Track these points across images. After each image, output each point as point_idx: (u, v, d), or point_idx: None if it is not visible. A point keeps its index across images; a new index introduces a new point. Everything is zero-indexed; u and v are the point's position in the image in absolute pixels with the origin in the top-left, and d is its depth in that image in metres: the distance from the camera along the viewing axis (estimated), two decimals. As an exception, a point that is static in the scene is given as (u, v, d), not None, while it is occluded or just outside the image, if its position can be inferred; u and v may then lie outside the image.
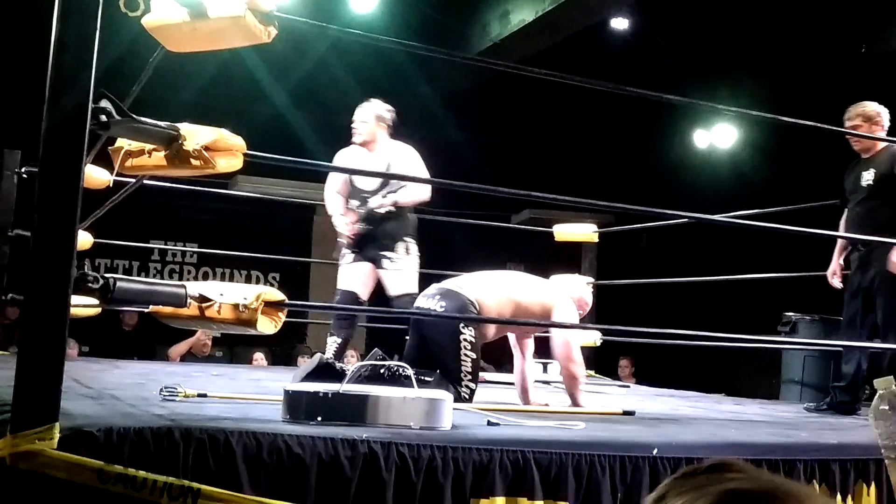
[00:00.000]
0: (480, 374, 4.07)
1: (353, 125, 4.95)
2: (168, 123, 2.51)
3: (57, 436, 2.05)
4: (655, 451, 2.66)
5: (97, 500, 2.02)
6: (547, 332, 4.34)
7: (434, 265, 5.52)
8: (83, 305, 2.63)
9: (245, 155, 2.62)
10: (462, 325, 3.85)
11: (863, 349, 4.61)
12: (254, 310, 2.52)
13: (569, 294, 4.26)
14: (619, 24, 9.10)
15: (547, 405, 4.06)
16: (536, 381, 4.58)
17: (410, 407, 2.65)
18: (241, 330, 2.64)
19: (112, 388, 3.50)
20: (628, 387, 6.55)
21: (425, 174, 4.86)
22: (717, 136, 9.99)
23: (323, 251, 7.92)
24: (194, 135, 2.51)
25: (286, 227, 9.50)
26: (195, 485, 2.08)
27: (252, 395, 3.47)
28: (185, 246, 10.01)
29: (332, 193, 5.02)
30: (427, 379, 3.45)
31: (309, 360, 4.17)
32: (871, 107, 4.70)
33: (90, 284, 2.20)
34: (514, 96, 9.46)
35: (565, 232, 6.55)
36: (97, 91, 2.20)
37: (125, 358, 6.27)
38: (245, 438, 2.24)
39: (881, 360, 4.59)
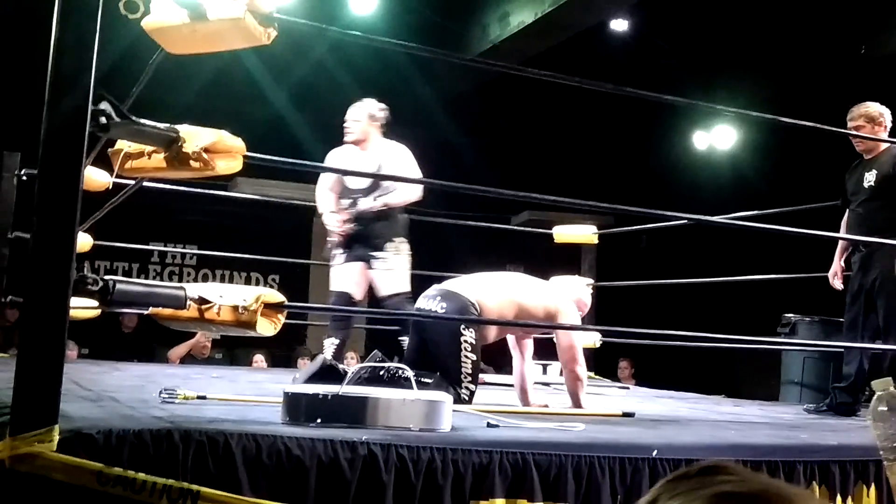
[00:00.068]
0: (480, 375, 4.07)
1: (345, 124, 4.93)
2: (168, 125, 2.51)
3: (56, 438, 2.05)
4: (655, 453, 2.66)
5: (96, 503, 2.02)
6: (546, 333, 4.34)
7: (433, 267, 5.52)
8: (83, 307, 2.63)
9: (245, 157, 2.62)
10: (463, 326, 3.84)
11: (864, 350, 4.61)
12: (253, 311, 2.52)
13: (569, 296, 4.26)
14: (619, 25, 9.09)
15: (546, 407, 4.05)
16: (536, 383, 4.57)
17: (410, 409, 2.65)
18: (240, 332, 2.64)
19: (111, 391, 3.50)
20: (628, 388, 6.55)
21: (417, 173, 4.84)
22: (717, 138, 9.97)
23: (323, 253, 7.91)
24: (194, 137, 2.51)
25: (286, 228, 9.48)
26: (195, 487, 2.08)
27: (252, 397, 3.46)
28: (184, 248, 10.00)
29: (325, 191, 5.00)
30: (427, 381, 3.45)
31: (309, 361, 4.17)
32: (875, 107, 4.70)
33: (90, 286, 2.21)
34: (513, 98, 9.46)
35: (565, 233, 6.55)
36: (97, 93, 2.20)
37: (125, 360, 6.26)
38: (245, 440, 2.24)
39: (882, 361, 4.59)
